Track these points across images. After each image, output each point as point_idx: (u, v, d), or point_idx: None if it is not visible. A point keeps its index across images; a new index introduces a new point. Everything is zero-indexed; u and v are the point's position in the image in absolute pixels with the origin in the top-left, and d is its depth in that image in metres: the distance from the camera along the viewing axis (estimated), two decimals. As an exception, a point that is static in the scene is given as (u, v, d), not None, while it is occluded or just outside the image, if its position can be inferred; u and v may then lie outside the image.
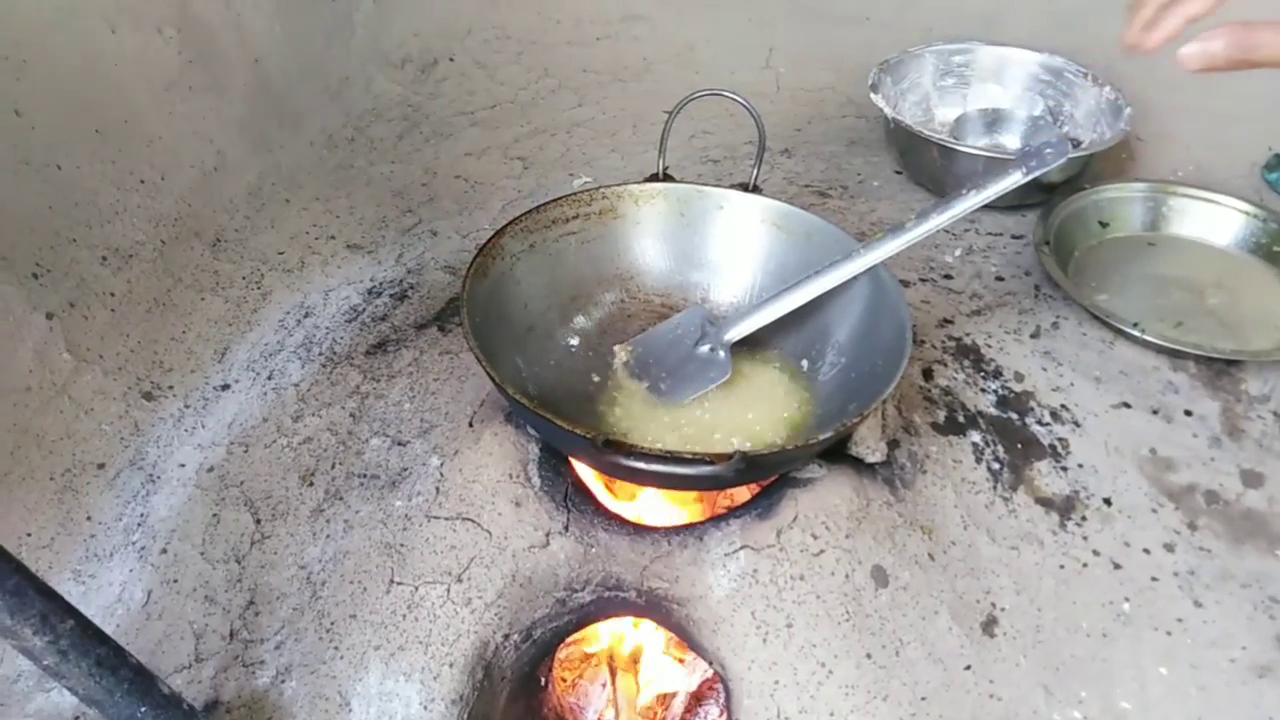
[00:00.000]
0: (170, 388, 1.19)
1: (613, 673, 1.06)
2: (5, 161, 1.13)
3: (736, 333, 1.00)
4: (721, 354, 0.98)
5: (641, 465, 0.75)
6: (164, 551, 1.00)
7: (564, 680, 1.09)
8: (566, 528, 0.91)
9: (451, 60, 1.99)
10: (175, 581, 0.98)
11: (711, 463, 0.74)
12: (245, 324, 1.29)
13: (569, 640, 1.01)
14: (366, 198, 1.57)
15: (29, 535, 1.01)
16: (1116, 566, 0.95)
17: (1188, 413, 1.10)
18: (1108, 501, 1.01)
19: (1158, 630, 0.90)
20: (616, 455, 0.75)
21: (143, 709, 0.69)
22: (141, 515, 1.04)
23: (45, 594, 0.63)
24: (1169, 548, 0.97)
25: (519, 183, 1.62)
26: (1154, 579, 0.94)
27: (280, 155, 1.60)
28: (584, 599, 0.90)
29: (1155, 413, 1.09)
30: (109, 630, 0.69)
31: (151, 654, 0.91)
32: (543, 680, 0.98)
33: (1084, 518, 0.99)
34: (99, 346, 1.17)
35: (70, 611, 0.65)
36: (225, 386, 1.19)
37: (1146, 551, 0.96)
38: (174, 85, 1.41)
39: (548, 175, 1.65)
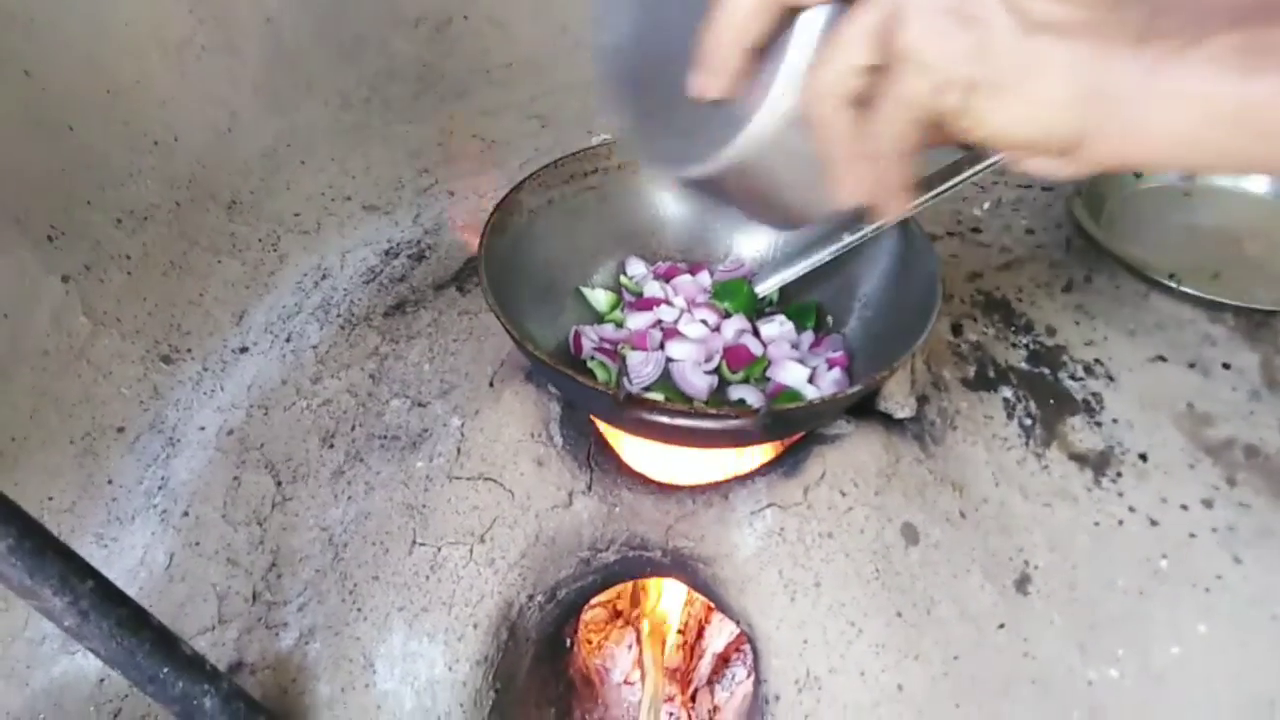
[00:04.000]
0: (189, 350, 1.18)
1: (639, 634, 1.06)
2: (17, 123, 1.11)
3: (767, 287, 0.98)
4: None
5: (665, 420, 0.73)
6: (185, 514, 1.00)
7: (590, 642, 1.09)
8: (589, 487, 0.90)
9: (466, 18, 1.95)
10: (197, 544, 0.97)
11: (736, 418, 0.72)
12: (262, 286, 1.28)
13: (594, 602, 1.00)
14: (382, 158, 1.55)
15: (50, 499, 1.01)
16: (1153, 523, 0.93)
17: (1226, 366, 1.06)
18: (1143, 457, 0.98)
19: (1196, 587, 0.88)
20: (639, 411, 0.73)
21: (165, 670, 0.69)
22: (162, 478, 1.04)
23: (64, 554, 0.62)
24: (1207, 504, 0.94)
25: (537, 141, 1.60)
26: (1192, 535, 0.92)
27: (295, 116, 1.58)
28: (608, 559, 0.89)
29: (1192, 366, 1.06)
30: (132, 593, 0.68)
31: (174, 617, 0.91)
32: (568, 641, 0.97)
33: (1119, 474, 0.97)
34: (116, 309, 1.16)
35: (90, 572, 0.64)
36: (244, 349, 1.18)
37: (1184, 508, 0.94)
38: (185, 45, 1.38)
39: (566, 133, 1.62)
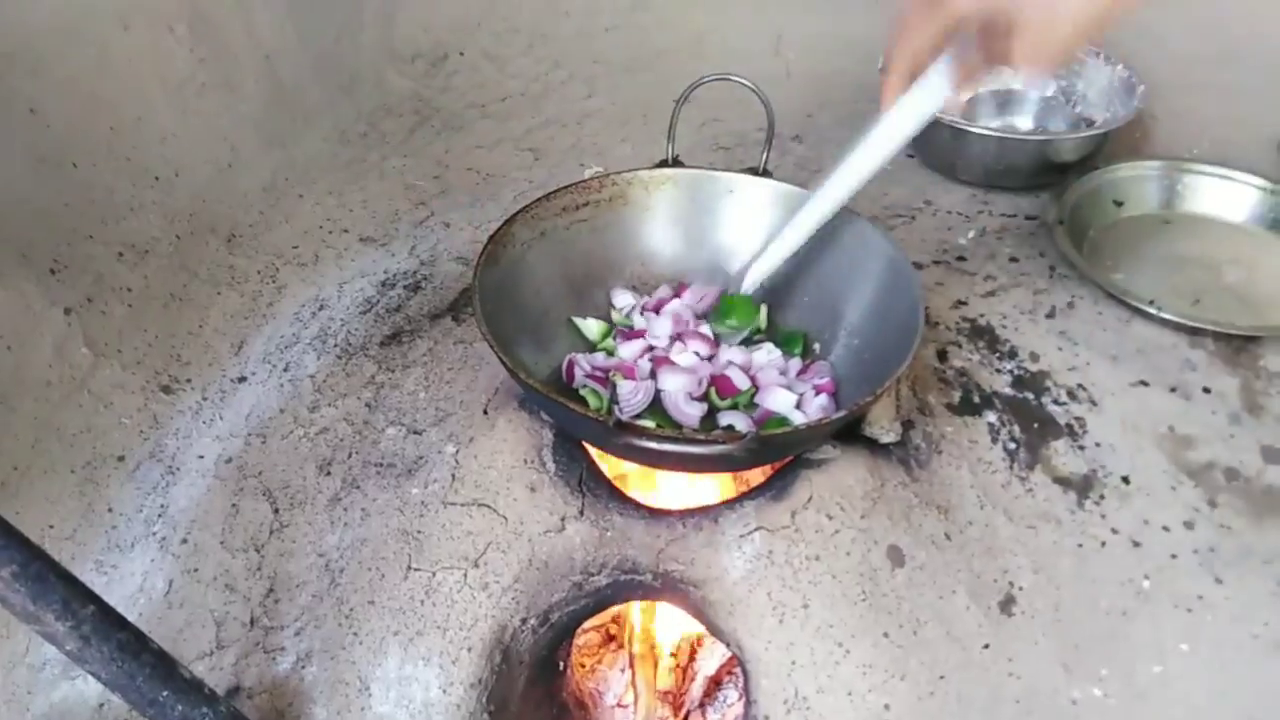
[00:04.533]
0: (188, 381, 1.20)
1: (631, 658, 1.07)
2: (22, 159, 1.14)
3: (751, 283, 1.02)
4: None
5: (654, 446, 0.75)
6: (184, 541, 1.01)
7: (583, 665, 1.10)
8: (581, 512, 0.91)
9: (461, 54, 1.99)
10: (196, 571, 0.98)
11: (724, 443, 0.74)
12: (261, 317, 1.30)
13: (587, 626, 1.02)
14: (379, 191, 1.58)
15: (51, 527, 1.02)
16: (1135, 544, 0.95)
17: (1206, 390, 1.09)
18: (1126, 480, 1.00)
19: (1178, 607, 0.90)
20: (629, 437, 0.75)
21: (165, 693, 0.70)
22: (162, 506, 1.06)
23: (66, 580, 0.64)
24: (1189, 525, 0.96)
25: (530, 174, 1.62)
26: (1174, 556, 0.93)
27: (293, 151, 1.61)
28: (600, 582, 0.90)
29: (1173, 390, 1.08)
30: (131, 619, 0.70)
31: (174, 642, 0.92)
32: (561, 665, 0.98)
33: (1102, 496, 0.99)
34: (117, 341, 1.18)
35: (91, 597, 0.66)
36: (242, 379, 1.20)
37: (1166, 529, 0.96)
38: (186, 83, 1.42)
39: (559, 166, 1.65)
